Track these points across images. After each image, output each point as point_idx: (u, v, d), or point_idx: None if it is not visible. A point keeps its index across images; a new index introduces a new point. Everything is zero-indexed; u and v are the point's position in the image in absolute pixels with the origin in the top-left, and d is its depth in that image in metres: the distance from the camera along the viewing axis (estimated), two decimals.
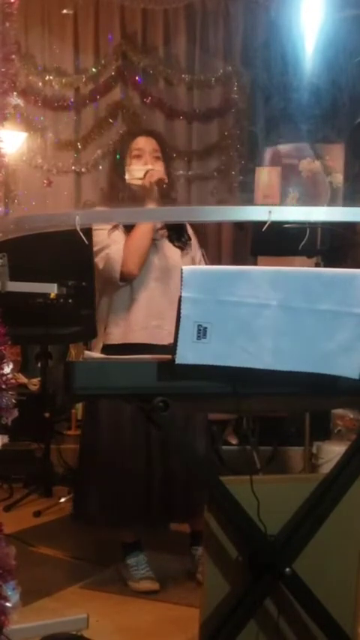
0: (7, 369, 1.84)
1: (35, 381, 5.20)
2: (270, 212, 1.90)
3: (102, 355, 2.64)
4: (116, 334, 3.23)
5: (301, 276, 1.85)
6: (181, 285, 1.78)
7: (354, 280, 1.84)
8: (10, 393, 1.84)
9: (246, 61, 6.20)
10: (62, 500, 4.52)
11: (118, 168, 3.34)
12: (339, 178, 4.52)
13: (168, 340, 3.29)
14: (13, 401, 1.84)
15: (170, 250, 3.29)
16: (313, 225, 3.47)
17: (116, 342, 3.20)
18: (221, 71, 6.26)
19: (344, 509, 2.05)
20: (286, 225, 2.11)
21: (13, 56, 2.00)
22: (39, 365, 5.13)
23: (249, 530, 1.97)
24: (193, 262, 3.35)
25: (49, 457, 4.82)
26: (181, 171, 6.06)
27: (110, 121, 6.21)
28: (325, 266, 4.29)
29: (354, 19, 5.06)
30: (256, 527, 1.96)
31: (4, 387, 1.82)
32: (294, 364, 1.82)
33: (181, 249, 3.31)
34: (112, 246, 3.17)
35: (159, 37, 6.29)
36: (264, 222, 1.91)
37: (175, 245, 3.30)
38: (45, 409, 4.77)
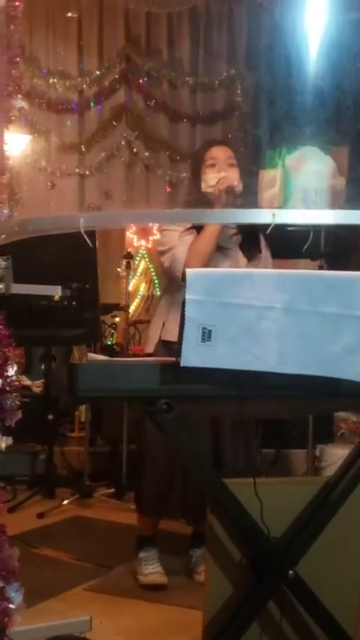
0: (11, 371, 1.84)
1: (39, 383, 5.20)
2: (274, 215, 1.90)
3: (105, 357, 2.64)
4: (174, 331, 3.24)
5: (305, 279, 1.85)
6: (185, 287, 1.79)
7: (358, 283, 1.84)
8: (14, 395, 1.84)
9: (250, 64, 6.21)
10: (65, 502, 4.52)
11: (194, 179, 3.40)
12: (342, 181, 4.52)
13: None
14: (17, 403, 1.84)
15: (240, 260, 3.36)
16: (316, 228, 3.47)
17: (173, 339, 3.23)
18: (225, 74, 6.27)
19: (347, 511, 2.05)
20: (289, 228, 2.11)
21: (18, 59, 2.00)
22: (42, 367, 5.13)
23: (252, 532, 1.97)
24: None
25: (52, 459, 4.82)
26: (184, 174, 6.07)
27: (114, 123, 6.23)
28: (328, 269, 4.29)
29: (358, 21, 5.06)
30: (259, 530, 1.96)
31: (8, 389, 1.82)
32: (298, 367, 1.82)
33: (249, 259, 3.35)
34: (179, 246, 3.22)
35: (163, 40, 6.31)
36: (268, 225, 1.91)
37: (244, 254, 3.35)
38: (48, 411, 4.77)
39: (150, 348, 3.32)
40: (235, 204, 3.27)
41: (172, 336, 3.23)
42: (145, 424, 3.35)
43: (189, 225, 3.26)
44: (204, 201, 3.31)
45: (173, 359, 1.84)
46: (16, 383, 1.86)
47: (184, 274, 3.17)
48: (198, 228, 3.25)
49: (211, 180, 3.29)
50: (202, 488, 3.18)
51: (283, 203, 2.11)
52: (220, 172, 3.30)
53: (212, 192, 3.26)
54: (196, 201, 3.37)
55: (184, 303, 1.79)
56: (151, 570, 3.28)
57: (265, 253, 3.45)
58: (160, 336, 3.30)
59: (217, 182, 3.25)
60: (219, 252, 3.29)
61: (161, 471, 3.31)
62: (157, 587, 3.23)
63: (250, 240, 3.38)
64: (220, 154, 3.38)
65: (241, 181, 3.32)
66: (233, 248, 3.35)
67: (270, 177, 2.18)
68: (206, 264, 3.24)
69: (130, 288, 5.68)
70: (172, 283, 3.34)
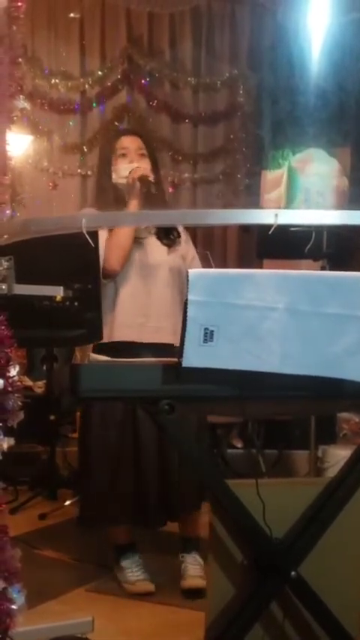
0: (13, 371, 1.84)
1: (41, 383, 5.20)
2: (276, 215, 1.90)
3: (107, 358, 2.64)
4: (104, 333, 3.24)
5: (308, 280, 1.85)
6: (187, 288, 1.78)
7: None
8: (16, 395, 1.84)
9: (252, 64, 6.21)
10: (67, 503, 4.52)
11: (104, 170, 3.35)
12: (346, 182, 4.52)
13: (152, 337, 3.29)
14: (19, 403, 1.83)
15: (155, 248, 3.30)
16: (319, 229, 3.47)
17: (103, 342, 3.22)
18: (227, 74, 6.27)
19: (350, 512, 2.04)
20: (292, 229, 2.11)
21: (20, 59, 2.00)
22: (44, 368, 5.14)
23: (254, 533, 1.97)
24: (184, 260, 3.36)
25: (54, 460, 4.82)
26: (186, 174, 6.07)
27: (116, 124, 6.23)
28: (331, 269, 4.28)
29: None
30: (261, 531, 1.96)
31: (9, 389, 1.82)
32: (300, 367, 1.82)
33: (169, 246, 3.31)
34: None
35: (165, 41, 6.30)
36: (270, 226, 1.91)
37: (162, 243, 3.31)
38: (50, 412, 4.77)
39: (84, 355, 3.26)
40: (149, 194, 3.24)
41: (104, 338, 3.22)
42: (92, 419, 3.27)
43: None
44: (114, 191, 3.27)
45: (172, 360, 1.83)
46: (18, 384, 1.86)
47: (105, 270, 3.19)
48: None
49: (122, 170, 3.26)
50: (182, 486, 3.19)
51: (287, 204, 2.11)
52: (132, 163, 3.27)
53: (124, 183, 3.22)
54: (104, 191, 3.32)
55: (186, 303, 1.79)
56: (137, 578, 3.22)
57: (185, 236, 3.40)
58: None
59: (129, 172, 3.21)
60: (134, 242, 3.25)
61: (113, 472, 3.22)
62: (146, 594, 3.17)
63: (165, 228, 3.31)
64: (130, 144, 3.33)
65: (153, 172, 3.29)
66: (148, 237, 3.31)
67: (273, 177, 2.18)
68: (126, 258, 3.21)
69: None
70: None
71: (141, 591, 3.18)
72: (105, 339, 3.20)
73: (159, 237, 3.31)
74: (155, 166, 3.36)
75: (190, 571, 3.21)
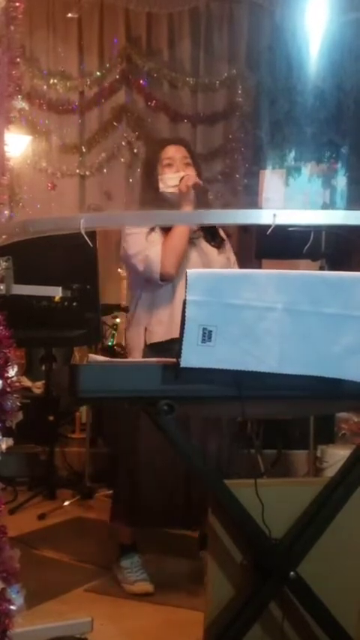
0: (12, 372, 1.84)
1: (39, 384, 5.20)
2: (275, 215, 1.90)
3: (106, 358, 2.64)
4: (160, 332, 3.24)
5: (306, 280, 1.85)
6: (186, 288, 1.78)
7: (358, 283, 1.84)
8: (15, 396, 1.84)
9: (251, 64, 6.21)
10: (66, 503, 4.52)
11: (149, 179, 3.37)
12: (344, 182, 4.52)
13: None
14: (18, 404, 1.83)
15: (208, 248, 3.37)
16: (317, 229, 3.47)
17: (160, 340, 3.21)
18: (226, 74, 6.27)
19: (349, 512, 2.04)
20: (290, 229, 2.11)
21: (18, 59, 2.00)
22: (43, 368, 5.13)
23: (253, 533, 1.97)
24: (229, 262, 3.43)
25: (53, 460, 4.82)
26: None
27: (115, 124, 6.23)
28: (329, 269, 4.29)
29: (358, 22, 5.06)
30: (260, 531, 1.96)
31: (8, 390, 1.82)
32: (299, 368, 1.82)
33: (217, 248, 3.36)
34: (150, 248, 3.21)
35: (163, 41, 6.30)
36: (269, 226, 1.91)
37: (211, 245, 3.36)
38: (49, 412, 4.77)
39: (136, 356, 3.26)
40: (203, 200, 3.27)
41: (159, 337, 3.24)
42: (136, 428, 3.24)
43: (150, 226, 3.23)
44: (162, 201, 3.29)
45: (173, 359, 1.83)
46: (17, 384, 1.86)
47: (162, 274, 3.21)
48: (162, 227, 3.22)
49: (170, 180, 3.28)
50: (202, 489, 3.18)
51: (284, 204, 2.12)
52: (178, 172, 3.30)
53: (175, 192, 3.24)
54: (152, 201, 3.35)
55: (184, 303, 1.79)
56: (137, 578, 3.22)
57: (227, 240, 3.47)
58: (145, 342, 3.27)
59: (180, 180, 3.23)
60: (189, 243, 3.29)
61: (149, 475, 3.21)
62: (145, 595, 3.17)
63: (211, 230, 3.37)
64: (176, 153, 3.36)
65: (199, 180, 3.32)
66: (198, 238, 3.35)
67: (271, 177, 2.18)
68: (181, 261, 3.24)
69: None
70: (148, 285, 3.29)
71: (140, 592, 3.18)
72: (162, 338, 3.21)
73: (207, 240, 3.35)
74: (199, 175, 3.39)
75: None
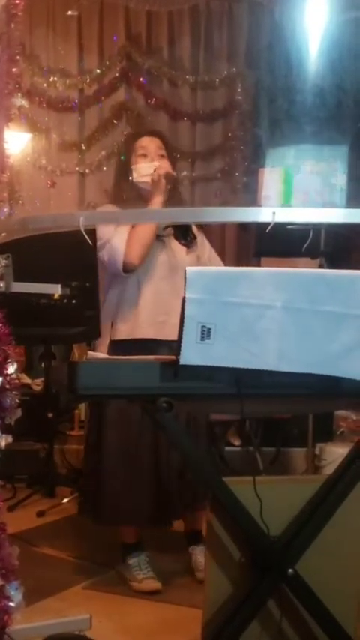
0: (11, 369, 1.84)
1: (39, 381, 5.20)
2: (274, 213, 1.91)
3: (105, 356, 2.64)
4: (123, 330, 3.25)
5: (305, 278, 1.85)
6: (185, 285, 1.79)
7: (357, 282, 1.84)
8: (14, 393, 1.84)
9: (250, 62, 6.20)
10: (65, 500, 4.53)
11: (122, 169, 3.38)
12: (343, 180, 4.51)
13: (173, 335, 3.32)
14: (17, 401, 1.84)
15: (177, 247, 3.34)
16: (316, 227, 3.48)
17: (124, 338, 3.22)
18: (225, 73, 6.26)
19: (347, 510, 2.05)
20: (289, 227, 2.11)
21: (18, 57, 2.00)
22: (42, 365, 5.13)
23: (252, 531, 1.97)
24: (199, 260, 3.40)
25: (52, 457, 4.82)
26: (185, 172, 6.06)
27: (114, 122, 6.21)
28: (328, 267, 4.29)
29: (358, 21, 5.06)
30: (258, 528, 1.97)
31: (7, 387, 1.82)
32: (298, 365, 1.82)
33: (187, 247, 3.35)
34: (115, 236, 3.20)
35: (163, 39, 6.29)
36: (268, 224, 1.91)
37: (180, 243, 3.34)
38: (48, 409, 4.77)
39: (102, 350, 3.25)
40: (174, 191, 3.28)
41: (123, 335, 3.24)
42: (105, 416, 3.26)
43: None
44: (134, 191, 3.29)
45: (172, 357, 1.84)
46: (16, 381, 1.86)
47: (125, 264, 3.21)
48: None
49: (143, 169, 3.29)
50: (189, 482, 3.19)
51: (284, 202, 2.12)
52: (152, 162, 3.30)
53: (148, 182, 3.25)
54: (124, 190, 3.35)
55: (183, 301, 1.79)
56: (144, 576, 3.23)
57: (200, 237, 3.45)
58: (110, 337, 3.27)
59: (153, 170, 3.24)
60: (157, 240, 3.28)
61: (126, 470, 3.23)
62: (153, 592, 3.18)
63: (182, 228, 3.36)
64: (150, 144, 3.38)
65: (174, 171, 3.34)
66: (168, 236, 3.34)
67: (270, 175, 2.18)
68: (147, 253, 3.23)
69: None
70: (115, 279, 3.29)
71: (148, 589, 3.19)
72: (126, 336, 3.21)
73: (176, 238, 3.34)
74: (173, 166, 3.39)
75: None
